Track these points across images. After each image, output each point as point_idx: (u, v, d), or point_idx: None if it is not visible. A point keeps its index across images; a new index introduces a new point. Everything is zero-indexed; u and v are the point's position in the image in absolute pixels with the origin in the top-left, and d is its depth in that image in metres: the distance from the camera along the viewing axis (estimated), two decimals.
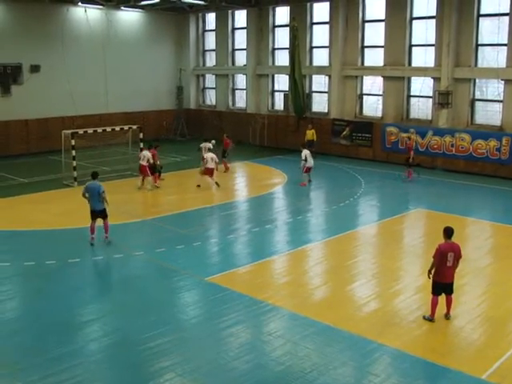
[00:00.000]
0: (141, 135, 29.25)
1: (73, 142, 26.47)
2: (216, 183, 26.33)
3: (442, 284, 12.77)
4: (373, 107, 35.00)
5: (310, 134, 34.32)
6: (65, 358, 11.22)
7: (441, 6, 30.32)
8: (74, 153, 26.50)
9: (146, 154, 26.38)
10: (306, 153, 27.49)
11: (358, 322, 12.89)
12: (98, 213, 18.36)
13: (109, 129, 28.86)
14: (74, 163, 26.64)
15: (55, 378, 10.51)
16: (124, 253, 17.61)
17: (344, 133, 34.81)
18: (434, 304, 12.82)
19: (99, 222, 18.49)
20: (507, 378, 10.55)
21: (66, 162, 27.59)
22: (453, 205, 23.82)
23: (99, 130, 28.49)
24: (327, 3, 35.54)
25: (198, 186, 26.59)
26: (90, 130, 28.07)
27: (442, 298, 12.88)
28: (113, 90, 40.18)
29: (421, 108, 32.80)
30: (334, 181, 28.53)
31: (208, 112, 44.13)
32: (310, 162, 27.49)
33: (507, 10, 28.32)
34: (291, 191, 26.83)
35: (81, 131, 27.66)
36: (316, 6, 36.83)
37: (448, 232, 12.80)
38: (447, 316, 12.92)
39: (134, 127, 30.07)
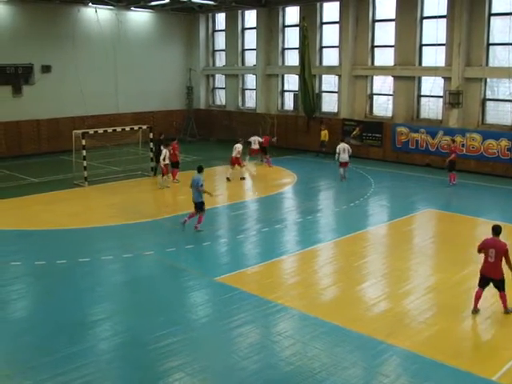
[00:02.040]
0: (151, 135, 29.34)
1: (83, 142, 26.57)
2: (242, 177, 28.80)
3: (484, 277, 13.15)
4: (383, 107, 34.92)
5: (323, 134, 34.36)
6: (75, 357, 11.26)
7: (451, 5, 30.21)
8: (84, 153, 26.60)
9: (166, 152, 26.69)
10: (339, 147, 28.05)
11: (368, 322, 12.86)
12: (196, 204, 19.70)
13: (119, 129, 28.95)
14: (85, 163, 26.75)
15: (65, 377, 10.54)
16: (134, 252, 17.65)
17: (354, 133, 34.72)
18: (476, 296, 13.19)
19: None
20: None
21: (76, 162, 27.68)
22: (463, 205, 23.74)
23: (109, 130, 28.62)
24: (337, 3, 35.49)
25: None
26: (101, 130, 28.17)
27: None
28: (123, 90, 40.29)
29: (431, 108, 32.68)
30: (344, 181, 28.45)
31: (218, 112, 44.19)
32: (342, 157, 27.83)
33: None
34: (301, 191, 26.80)
35: (91, 131, 27.76)
36: (326, 5, 36.77)
37: (495, 229, 13.26)
38: (505, 311, 13.19)
39: (144, 127, 30.15)
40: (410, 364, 11.05)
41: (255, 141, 32.49)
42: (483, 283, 13.17)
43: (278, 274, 16.27)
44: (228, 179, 28.29)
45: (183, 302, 14.33)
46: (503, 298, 13.10)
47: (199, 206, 19.69)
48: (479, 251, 13.31)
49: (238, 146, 28.85)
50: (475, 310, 13.19)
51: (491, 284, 13.11)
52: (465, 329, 12.62)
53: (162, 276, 16.07)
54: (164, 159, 26.54)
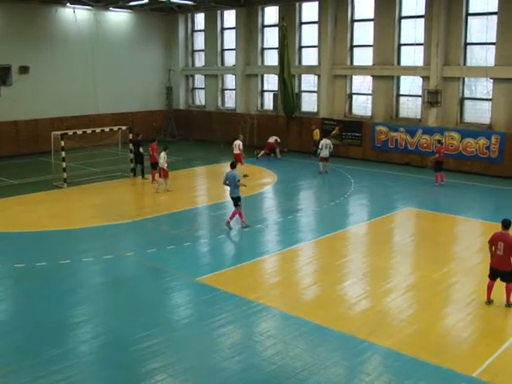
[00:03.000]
0: (130, 136, 29.21)
1: (62, 144, 26.37)
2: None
3: (493, 269, 13.54)
4: (362, 106, 35.06)
5: (315, 133, 34.23)
6: (56, 359, 11.19)
7: (429, 5, 30.42)
8: (63, 154, 26.40)
9: (164, 155, 25.75)
10: (322, 142, 29.72)
11: (349, 321, 12.92)
12: (234, 200, 19.96)
13: (98, 130, 28.79)
14: (64, 164, 26.55)
15: (47, 380, 10.47)
16: (114, 254, 17.57)
17: (333, 132, 34.80)
18: (488, 288, 13.60)
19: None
20: (498, 376, 10.60)
21: (55, 164, 27.50)
22: (442, 203, 23.94)
23: (89, 131, 28.43)
24: (316, 3, 35.59)
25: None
26: (80, 131, 27.96)
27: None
28: (102, 90, 40.06)
29: (410, 107, 32.90)
30: (324, 180, 28.60)
31: (197, 112, 44.13)
32: (323, 152, 29.40)
33: (495, 9, 28.47)
34: (281, 191, 26.84)
35: (70, 132, 27.57)
36: (305, 5, 36.87)
37: (504, 223, 13.55)
38: (507, 304, 13.46)
39: (124, 128, 30.00)
40: (391, 362, 11.11)
41: (272, 136, 34.92)
42: (493, 275, 13.56)
43: (260, 273, 16.27)
44: (245, 175, 27.72)
45: (165, 302, 14.29)
46: (508, 290, 13.41)
47: (238, 201, 19.92)
48: (490, 247, 13.60)
49: (238, 143, 28.95)
50: (488, 301, 13.61)
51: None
52: (445, 326, 12.71)
53: (143, 277, 16.01)
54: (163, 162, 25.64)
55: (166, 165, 25.78)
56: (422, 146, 30.99)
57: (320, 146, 29.63)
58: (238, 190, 19.85)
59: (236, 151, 28.84)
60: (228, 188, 20.33)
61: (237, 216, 20.12)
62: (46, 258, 17.08)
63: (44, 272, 16.18)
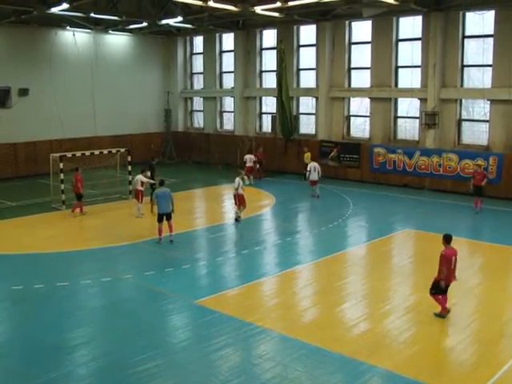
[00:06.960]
0: (129, 158, 29.24)
1: (61, 166, 26.40)
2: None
3: None
4: (360, 128, 35.20)
5: (306, 156, 33.76)
6: (53, 382, 11.10)
7: (426, 27, 30.67)
8: (62, 176, 26.43)
9: (139, 177, 25.51)
10: (310, 165, 29.28)
11: (349, 343, 12.84)
12: (166, 215, 20.96)
13: (97, 152, 28.88)
14: (63, 186, 26.55)
15: None
16: (113, 276, 17.51)
17: (332, 154, 34.91)
18: None
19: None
20: None
21: (54, 186, 27.48)
22: (440, 225, 23.86)
23: (87, 153, 28.46)
24: (314, 26, 35.84)
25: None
26: (78, 153, 28.00)
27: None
28: (101, 113, 40.24)
29: (408, 129, 33.04)
30: (323, 202, 28.58)
31: (196, 135, 44.25)
32: (313, 176, 28.94)
33: (491, 32, 28.69)
34: (280, 213, 26.83)
35: (69, 154, 27.58)
36: (303, 28, 37.13)
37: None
38: None
39: (122, 150, 30.03)
40: None
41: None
42: None
43: (258, 296, 16.22)
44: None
45: (163, 325, 14.20)
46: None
47: (169, 216, 21.00)
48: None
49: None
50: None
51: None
52: (445, 348, 12.65)
53: (141, 299, 15.94)
54: (142, 185, 25.33)
55: (142, 188, 25.30)
56: (420, 168, 31.06)
57: (308, 169, 29.30)
58: (170, 205, 20.94)
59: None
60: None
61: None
62: (43, 280, 17.02)
63: (41, 294, 16.11)
